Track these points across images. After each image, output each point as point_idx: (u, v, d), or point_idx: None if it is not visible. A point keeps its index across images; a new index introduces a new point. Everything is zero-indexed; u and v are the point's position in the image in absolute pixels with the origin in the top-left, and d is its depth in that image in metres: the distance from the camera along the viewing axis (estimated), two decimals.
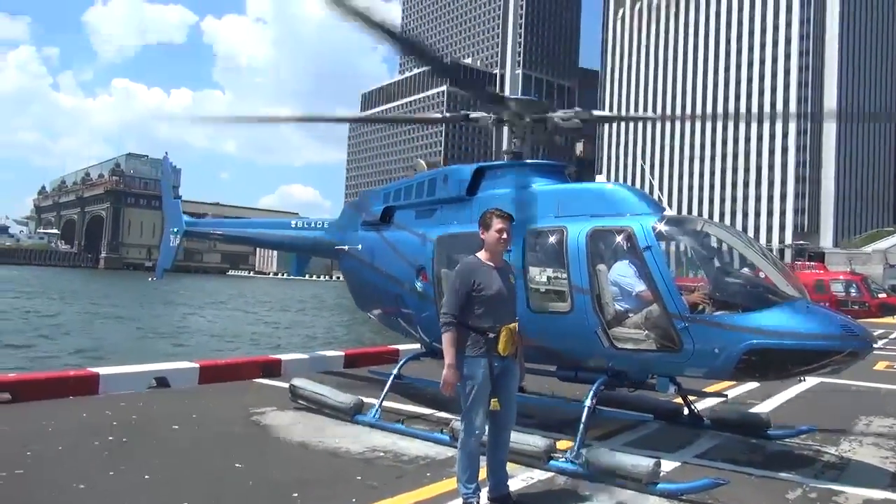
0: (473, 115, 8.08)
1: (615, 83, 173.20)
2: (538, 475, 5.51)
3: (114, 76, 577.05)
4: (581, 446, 5.61)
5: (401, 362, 7.85)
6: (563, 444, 5.90)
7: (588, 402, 5.96)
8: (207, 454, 6.00)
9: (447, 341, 4.57)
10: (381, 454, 6.05)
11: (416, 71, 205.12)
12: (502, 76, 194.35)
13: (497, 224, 4.74)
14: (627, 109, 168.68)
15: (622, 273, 6.27)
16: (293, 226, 10.74)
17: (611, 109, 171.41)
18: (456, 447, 4.89)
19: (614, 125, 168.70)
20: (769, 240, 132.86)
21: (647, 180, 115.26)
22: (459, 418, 4.75)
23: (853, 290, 32.79)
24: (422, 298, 7.63)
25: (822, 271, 35.32)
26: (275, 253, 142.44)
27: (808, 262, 37.62)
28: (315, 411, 7.54)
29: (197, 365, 9.82)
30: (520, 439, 5.43)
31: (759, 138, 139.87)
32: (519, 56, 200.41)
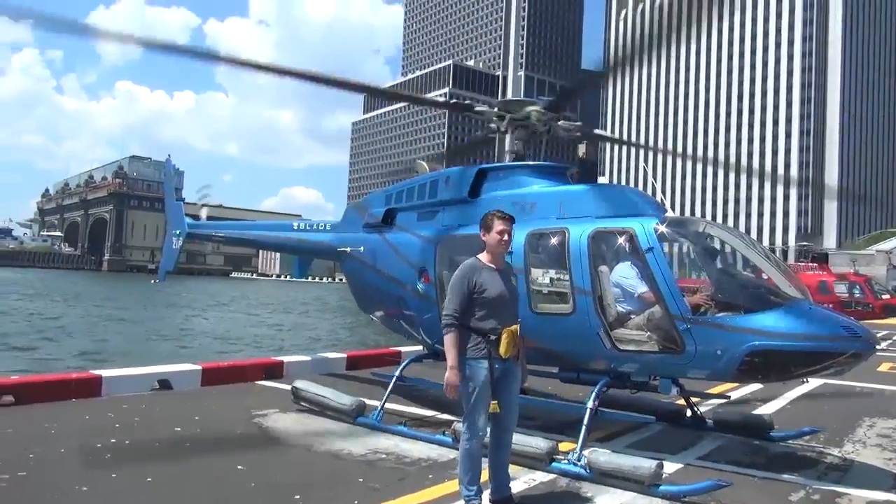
0: (479, 108, 8.09)
1: (617, 84, 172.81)
2: (540, 477, 5.50)
3: (117, 79, 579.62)
4: (583, 448, 5.60)
5: (403, 364, 7.84)
6: (565, 446, 5.89)
7: (590, 404, 5.96)
8: (209, 456, 6.00)
9: (449, 343, 4.57)
10: (383, 456, 6.05)
11: (418, 73, 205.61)
12: (505, 78, 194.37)
13: (498, 226, 4.74)
14: (629, 111, 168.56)
15: (624, 274, 6.26)
16: (295, 228, 10.75)
17: (613, 110, 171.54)
18: (458, 449, 4.88)
19: (616, 126, 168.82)
20: (772, 241, 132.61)
21: (650, 183, 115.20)
22: (461, 420, 4.75)
23: (857, 292, 32.75)
24: (424, 300, 7.63)
25: (825, 272, 35.25)
26: (277, 255, 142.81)
27: (811, 264, 37.55)
28: (317, 413, 7.54)
29: (199, 367, 9.82)
30: (522, 441, 5.42)
31: (762, 139, 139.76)
32: (521, 58, 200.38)
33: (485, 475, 4.74)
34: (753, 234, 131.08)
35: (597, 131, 10.96)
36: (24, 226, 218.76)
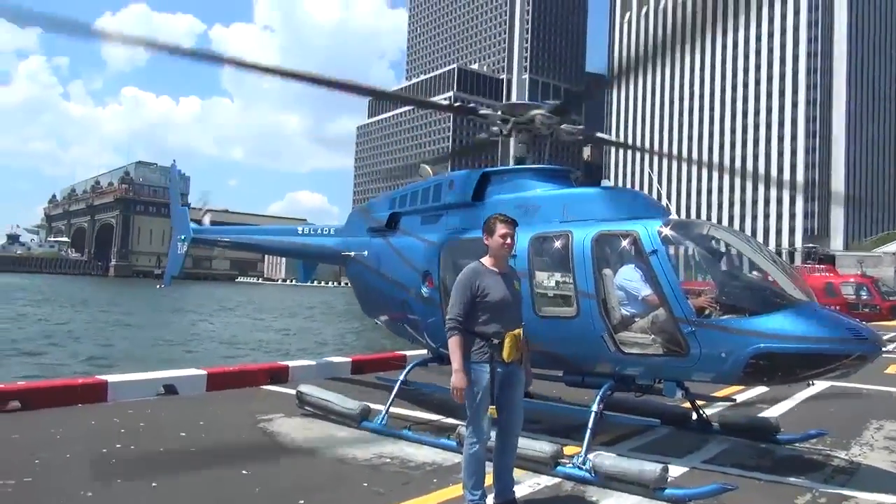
0: (483, 111, 8.09)
1: (622, 87, 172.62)
2: (545, 481, 5.49)
3: (123, 85, 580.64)
4: (588, 452, 5.59)
5: (407, 368, 7.84)
6: (570, 450, 5.89)
7: (595, 408, 5.95)
8: (214, 461, 6.01)
9: (453, 346, 4.57)
10: (388, 460, 6.05)
11: (423, 77, 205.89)
12: (509, 81, 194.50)
13: (501, 229, 4.74)
14: (634, 113, 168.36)
15: (628, 277, 6.25)
16: (300, 232, 10.78)
17: (617, 113, 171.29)
18: (462, 453, 4.88)
19: (620, 128, 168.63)
20: (779, 243, 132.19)
21: (655, 189, 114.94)
22: (465, 424, 4.74)
23: (864, 293, 32.56)
24: (428, 304, 7.63)
25: (832, 274, 35.09)
26: (283, 260, 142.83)
27: (817, 266, 37.38)
28: (322, 418, 7.54)
29: (205, 372, 9.85)
30: (527, 445, 5.42)
31: (768, 141, 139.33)
32: (526, 61, 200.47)
33: (489, 479, 4.73)
34: (760, 236, 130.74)
35: (599, 135, 10.91)
36: (31, 232, 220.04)
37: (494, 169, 7.78)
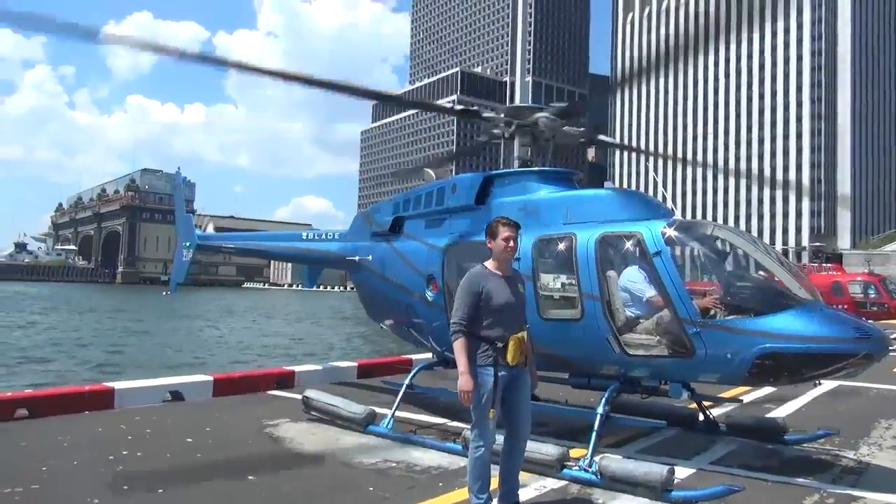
0: (486, 114, 8.09)
1: (625, 88, 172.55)
2: (551, 484, 5.48)
3: (128, 93, 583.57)
4: (594, 454, 5.58)
5: (412, 372, 7.84)
6: (576, 453, 5.87)
7: (601, 410, 5.94)
8: (221, 467, 6.02)
9: (459, 349, 4.56)
10: (394, 465, 6.05)
11: (426, 81, 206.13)
12: (513, 83, 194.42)
13: (503, 232, 4.74)
14: (638, 114, 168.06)
15: (632, 279, 6.23)
16: (304, 237, 10.79)
17: (621, 114, 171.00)
18: (468, 457, 4.87)
19: (625, 130, 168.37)
20: (785, 242, 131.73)
21: (660, 192, 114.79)
22: (471, 428, 4.74)
23: (871, 292, 32.38)
24: (432, 308, 7.63)
25: (839, 273, 34.93)
26: (289, 265, 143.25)
27: (823, 265, 37.22)
28: (328, 422, 7.55)
29: (211, 378, 9.87)
30: (533, 448, 5.38)
31: (773, 139, 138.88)
32: (529, 63, 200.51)
33: (494, 482, 4.73)
34: (766, 236, 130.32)
35: (602, 137, 10.84)
36: (38, 240, 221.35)
37: (497, 172, 7.78)
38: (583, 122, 7.95)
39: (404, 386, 7.50)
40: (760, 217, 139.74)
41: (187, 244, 12.63)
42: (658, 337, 5.97)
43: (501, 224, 4.77)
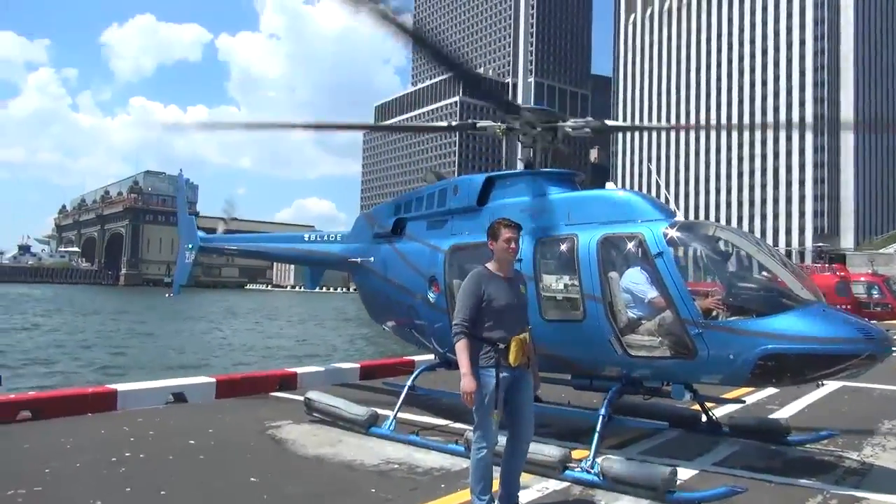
0: (481, 123, 8.10)
1: (628, 89, 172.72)
2: (553, 485, 5.47)
3: (131, 95, 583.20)
4: (596, 455, 5.57)
5: (415, 373, 7.84)
6: (578, 454, 5.87)
7: (603, 411, 5.93)
8: (223, 468, 6.03)
9: (461, 350, 4.56)
10: (396, 466, 6.05)
11: (428, 82, 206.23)
12: (515, 85, 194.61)
13: (504, 234, 4.74)
14: (641, 114, 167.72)
15: (634, 280, 6.22)
16: (306, 239, 10.81)
17: (624, 115, 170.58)
18: (470, 458, 4.87)
19: (626, 134, 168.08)
20: (788, 243, 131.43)
21: (663, 195, 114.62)
22: (473, 429, 4.73)
23: (875, 292, 32.31)
24: (434, 309, 7.63)
25: (842, 273, 34.83)
26: (292, 266, 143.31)
27: (826, 265, 37.13)
28: (330, 424, 7.55)
29: (213, 380, 9.89)
30: (535, 449, 5.37)
31: (776, 140, 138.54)
32: (531, 64, 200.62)
33: (496, 484, 4.72)
34: (769, 236, 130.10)
35: (608, 122, 10.61)
36: (42, 242, 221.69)
37: (499, 173, 7.78)
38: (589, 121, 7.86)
39: (406, 387, 7.51)
40: (763, 217, 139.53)
41: (190, 246, 12.66)
42: (660, 338, 5.97)
43: (503, 225, 4.77)
